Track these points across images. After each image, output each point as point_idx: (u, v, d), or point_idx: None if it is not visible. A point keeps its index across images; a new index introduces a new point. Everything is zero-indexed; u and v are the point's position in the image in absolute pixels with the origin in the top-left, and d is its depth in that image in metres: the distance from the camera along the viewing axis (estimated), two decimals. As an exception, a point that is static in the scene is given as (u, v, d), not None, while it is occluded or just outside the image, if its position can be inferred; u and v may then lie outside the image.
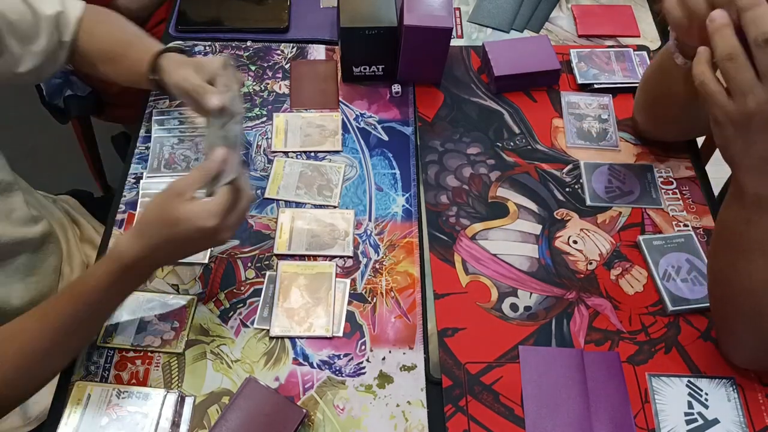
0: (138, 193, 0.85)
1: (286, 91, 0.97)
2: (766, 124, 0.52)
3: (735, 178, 0.60)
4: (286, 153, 0.90)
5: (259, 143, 0.91)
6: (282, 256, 0.80)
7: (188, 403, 0.69)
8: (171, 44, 0.84)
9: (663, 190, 0.86)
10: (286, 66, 0.99)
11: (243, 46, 1.02)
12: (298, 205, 0.85)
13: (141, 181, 0.86)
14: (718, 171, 1.03)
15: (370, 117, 0.94)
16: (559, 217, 0.84)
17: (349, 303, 0.77)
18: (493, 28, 1.05)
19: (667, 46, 0.70)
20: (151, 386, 0.70)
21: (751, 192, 0.58)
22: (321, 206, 0.85)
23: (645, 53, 1.00)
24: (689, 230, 0.83)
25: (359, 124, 0.93)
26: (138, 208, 0.83)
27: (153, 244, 0.64)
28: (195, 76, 0.75)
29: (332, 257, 0.80)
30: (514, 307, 0.77)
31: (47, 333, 0.65)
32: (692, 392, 0.71)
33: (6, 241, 0.77)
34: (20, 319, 0.66)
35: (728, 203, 0.62)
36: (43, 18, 0.80)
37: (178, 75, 0.77)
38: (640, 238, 0.81)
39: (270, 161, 0.89)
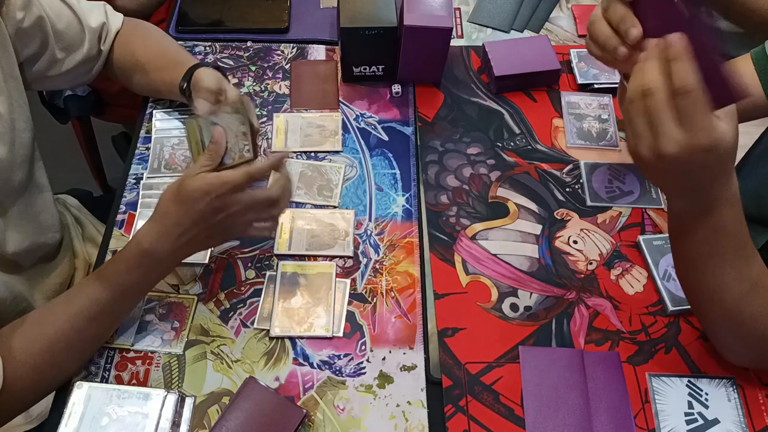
0: (138, 193, 0.85)
1: (286, 91, 0.97)
2: (682, 164, 0.53)
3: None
4: (286, 153, 0.90)
5: (259, 143, 0.90)
6: (282, 256, 0.80)
7: (188, 403, 0.69)
8: (206, 61, 0.86)
9: (663, 190, 0.86)
10: (286, 66, 1.00)
11: (243, 46, 1.02)
12: (298, 205, 0.85)
13: (141, 182, 0.86)
14: (718, 171, 1.03)
15: (370, 117, 0.94)
16: (559, 217, 0.84)
17: (349, 303, 0.77)
18: (493, 28, 1.05)
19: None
20: (151, 386, 0.70)
21: (677, 209, 0.61)
22: (321, 206, 0.85)
23: (645, 53, 1.00)
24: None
25: (359, 124, 0.93)
26: (139, 209, 0.83)
27: (169, 224, 0.65)
28: (216, 84, 0.78)
29: (332, 257, 0.80)
30: (514, 307, 0.77)
31: (71, 318, 0.66)
32: (692, 392, 0.71)
33: (30, 244, 0.79)
34: (48, 305, 0.67)
35: (668, 218, 0.64)
36: (88, 29, 0.83)
37: (209, 77, 0.79)
38: (641, 238, 0.81)
39: (270, 161, 0.89)
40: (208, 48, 1.01)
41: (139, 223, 0.82)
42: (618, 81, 0.95)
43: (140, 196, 0.85)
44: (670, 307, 0.76)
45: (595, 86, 0.96)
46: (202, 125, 0.69)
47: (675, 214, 0.62)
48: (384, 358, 0.73)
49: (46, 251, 0.84)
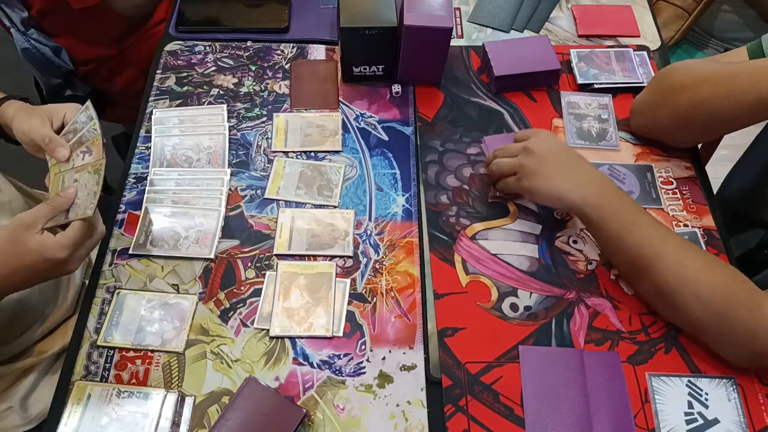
0: (137, 192, 0.85)
1: (286, 91, 0.97)
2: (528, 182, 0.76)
3: None
4: (286, 153, 0.90)
5: (259, 143, 0.91)
6: (282, 256, 0.80)
7: (188, 403, 0.69)
8: (10, 95, 0.83)
9: (663, 190, 0.86)
10: (286, 66, 1.00)
11: (243, 46, 1.02)
12: (298, 205, 0.85)
13: (149, 178, 0.86)
14: (718, 171, 1.03)
15: (370, 117, 0.94)
16: (559, 217, 0.84)
17: (349, 303, 0.77)
18: (493, 28, 1.05)
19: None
20: (151, 386, 0.70)
21: (577, 212, 0.75)
22: (321, 206, 0.85)
23: (645, 53, 1.00)
24: (689, 229, 0.82)
25: (359, 124, 0.93)
26: (144, 204, 0.83)
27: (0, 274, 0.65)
28: (42, 127, 0.75)
29: (332, 257, 0.80)
30: (514, 307, 0.77)
31: None
32: (692, 392, 0.71)
33: None
34: None
35: (588, 227, 0.77)
36: None
37: (27, 124, 0.76)
38: (640, 238, 0.81)
39: (270, 161, 0.89)
40: (208, 48, 1.01)
41: (146, 217, 0.82)
42: (617, 82, 0.96)
43: (146, 193, 0.85)
44: (670, 307, 0.76)
45: (595, 86, 0.96)
46: (66, 177, 0.70)
47: (583, 215, 0.74)
48: (384, 358, 0.73)
49: None
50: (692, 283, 0.68)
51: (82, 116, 0.75)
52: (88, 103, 0.76)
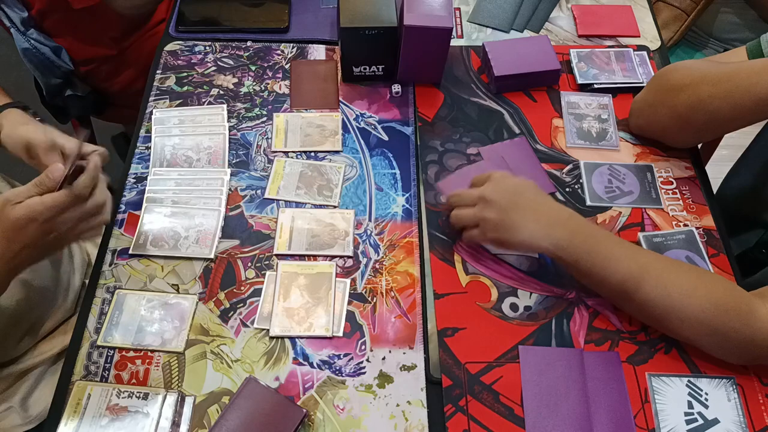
0: (137, 192, 0.85)
1: (286, 91, 0.97)
2: (491, 230, 0.74)
3: None
4: (286, 153, 0.90)
5: (259, 143, 0.91)
6: (282, 256, 0.80)
7: (188, 402, 0.69)
8: (11, 102, 0.83)
9: (663, 190, 0.86)
10: (286, 66, 1.00)
11: (243, 46, 1.02)
12: (298, 205, 0.85)
13: (149, 178, 0.86)
14: (717, 171, 1.03)
15: (370, 117, 0.94)
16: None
17: (349, 303, 0.77)
18: (493, 28, 1.05)
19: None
20: (151, 386, 0.70)
21: (551, 250, 0.71)
22: (321, 206, 0.85)
23: (645, 53, 1.00)
24: (689, 228, 0.82)
25: (359, 124, 0.93)
26: (145, 204, 0.83)
27: None
28: (42, 135, 0.74)
29: (332, 257, 0.80)
30: (514, 307, 0.77)
31: None
32: (692, 392, 0.71)
33: None
34: None
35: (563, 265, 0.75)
36: None
37: (26, 129, 0.76)
38: (641, 235, 0.81)
39: (270, 161, 0.89)
40: (208, 48, 1.01)
41: (145, 217, 0.82)
42: (617, 82, 0.96)
43: (146, 192, 0.85)
44: (670, 307, 0.76)
45: (595, 86, 0.96)
46: None
47: (554, 254, 0.72)
48: (384, 358, 0.73)
49: None
50: (678, 308, 0.67)
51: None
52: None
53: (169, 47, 1.01)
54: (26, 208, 0.63)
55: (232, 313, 0.76)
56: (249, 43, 1.02)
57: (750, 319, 0.65)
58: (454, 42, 1.02)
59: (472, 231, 0.76)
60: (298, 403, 0.69)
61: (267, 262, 0.80)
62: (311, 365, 0.72)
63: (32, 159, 0.76)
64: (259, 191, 0.86)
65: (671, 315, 0.68)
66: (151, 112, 0.93)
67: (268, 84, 0.97)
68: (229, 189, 0.86)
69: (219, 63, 0.99)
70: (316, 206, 0.85)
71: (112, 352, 0.73)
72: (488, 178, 0.75)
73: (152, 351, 0.73)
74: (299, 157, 0.89)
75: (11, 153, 0.80)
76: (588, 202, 0.86)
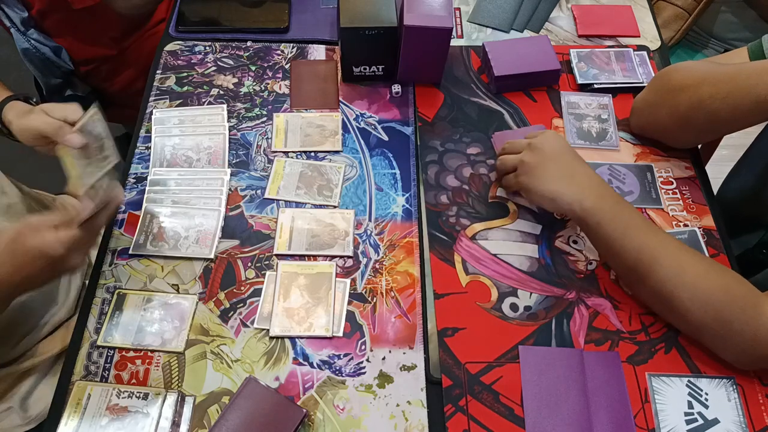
0: (137, 192, 0.85)
1: (286, 91, 0.97)
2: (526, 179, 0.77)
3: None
4: (286, 153, 0.90)
5: (259, 143, 0.91)
6: (282, 256, 0.80)
7: (188, 402, 0.69)
8: (12, 94, 0.84)
9: (663, 190, 0.86)
10: (286, 66, 1.00)
11: (243, 46, 1.02)
12: (298, 205, 0.85)
13: (149, 178, 0.86)
14: (718, 171, 1.03)
15: (370, 117, 0.94)
16: (559, 217, 0.84)
17: (349, 303, 0.77)
18: (493, 28, 1.05)
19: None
20: (151, 386, 0.70)
21: (578, 212, 0.74)
22: (321, 206, 0.85)
23: (645, 53, 1.00)
24: (689, 229, 0.82)
25: (359, 124, 0.93)
26: (145, 204, 0.84)
27: (3, 274, 0.65)
28: (49, 118, 0.74)
29: (332, 257, 0.80)
30: (514, 307, 0.77)
31: None
32: (692, 392, 0.71)
33: None
34: None
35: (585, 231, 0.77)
36: None
37: (32, 119, 0.76)
38: (640, 237, 0.81)
39: (270, 161, 0.89)
40: (207, 48, 1.01)
41: (146, 217, 0.82)
42: (617, 82, 0.96)
43: (146, 192, 0.85)
44: (670, 307, 0.76)
45: (595, 86, 0.96)
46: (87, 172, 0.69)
47: (579, 216, 0.74)
48: (384, 358, 0.73)
49: None
50: (690, 287, 0.68)
51: (99, 126, 0.73)
52: (99, 113, 0.74)
53: (169, 47, 1.01)
54: (42, 241, 0.64)
55: (232, 313, 0.76)
56: (249, 43, 1.02)
57: (756, 314, 0.65)
58: (454, 42, 1.02)
59: (509, 176, 0.81)
60: (298, 403, 0.69)
61: (267, 262, 0.80)
62: (311, 365, 0.72)
63: (48, 144, 0.76)
64: (259, 191, 0.86)
65: (682, 294, 0.68)
66: (151, 112, 0.93)
67: (268, 84, 0.97)
68: (229, 189, 0.86)
69: (219, 63, 0.99)
70: (316, 206, 0.85)
71: (112, 352, 0.73)
72: (540, 132, 0.80)
73: (152, 351, 0.73)
74: (299, 157, 0.89)
75: (27, 144, 0.80)
76: (588, 202, 0.85)
